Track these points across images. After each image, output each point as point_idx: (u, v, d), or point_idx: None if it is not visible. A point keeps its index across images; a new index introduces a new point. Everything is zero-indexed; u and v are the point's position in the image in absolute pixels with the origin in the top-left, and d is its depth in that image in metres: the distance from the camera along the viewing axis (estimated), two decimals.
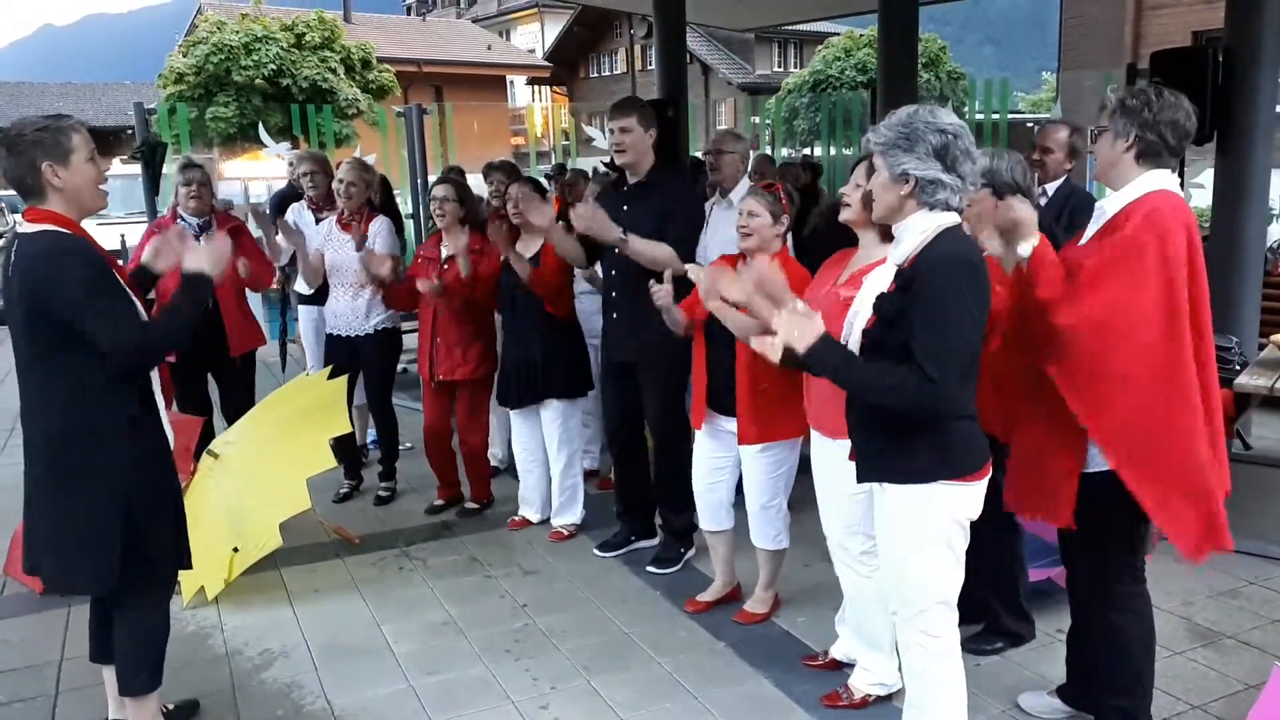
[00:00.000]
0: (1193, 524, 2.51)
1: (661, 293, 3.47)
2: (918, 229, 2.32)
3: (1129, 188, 2.55)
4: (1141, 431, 2.48)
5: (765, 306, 2.59)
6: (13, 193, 2.83)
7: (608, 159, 7.09)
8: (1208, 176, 5.73)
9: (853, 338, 2.44)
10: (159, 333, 2.73)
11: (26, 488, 2.75)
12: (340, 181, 4.92)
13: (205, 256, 2.81)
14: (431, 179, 7.03)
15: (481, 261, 4.58)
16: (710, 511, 3.72)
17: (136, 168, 7.76)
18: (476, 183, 8.27)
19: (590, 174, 6.80)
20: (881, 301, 2.34)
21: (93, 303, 2.55)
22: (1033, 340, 2.58)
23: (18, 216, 15.33)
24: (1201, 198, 6.44)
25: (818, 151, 13.96)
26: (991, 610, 3.37)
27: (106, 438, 2.65)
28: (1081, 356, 2.48)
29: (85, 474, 2.65)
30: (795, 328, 2.30)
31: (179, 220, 4.68)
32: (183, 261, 2.82)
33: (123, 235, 10.95)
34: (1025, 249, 2.54)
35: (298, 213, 5.36)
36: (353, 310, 4.91)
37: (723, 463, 3.65)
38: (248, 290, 4.95)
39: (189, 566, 2.96)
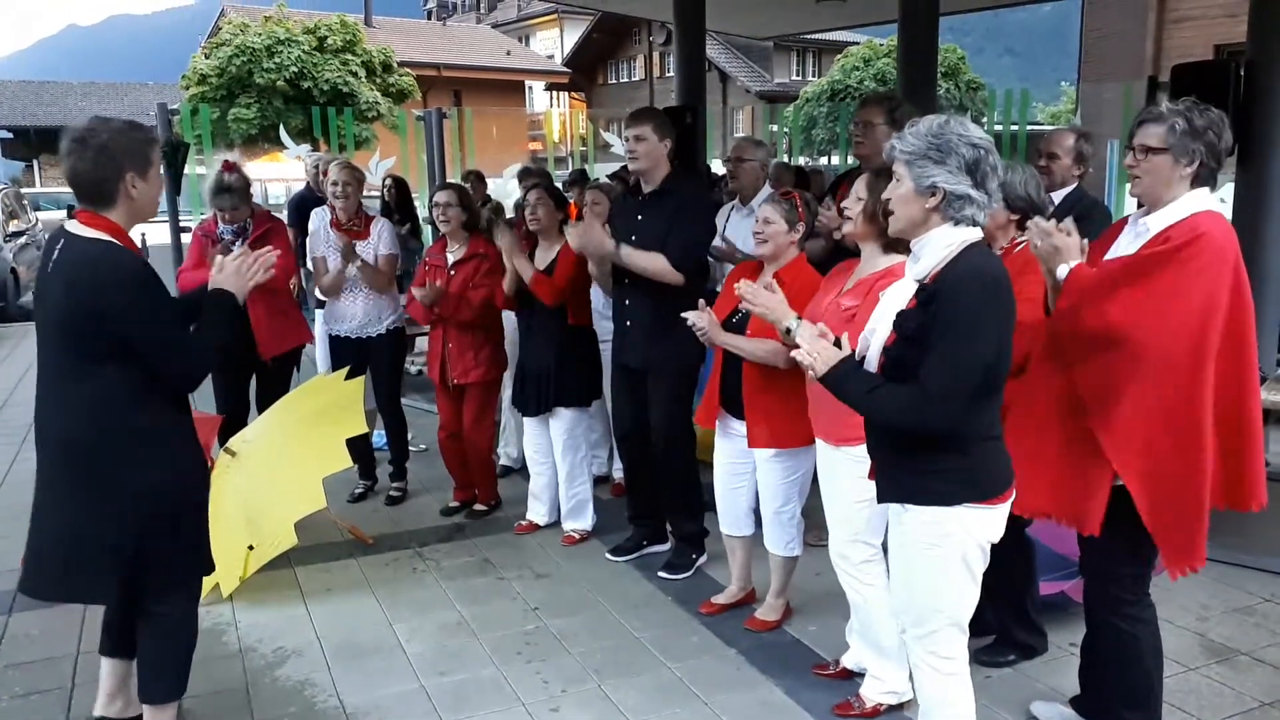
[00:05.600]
0: (1179, 541, 2.53)
1: (700, 325, 3.45)
2: (941, 244, 2.26)
3: (1175, 206, 2.53)
4: (1148, 445, 2.49)
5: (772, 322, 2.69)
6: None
7: (623, 164, 7.13)
8: (1228, 191, 5.70)
9: (871, 353, 2.40)
10: (198, 357, 2.72)
11: (36, 495, 2.70)
12: (336, 184, 4.89)
13: (229, 276, 2.80)
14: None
15: (484, 271, 4.59)
16: (730, 516, 3.72)
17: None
18: (495, 187, 8.33)
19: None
20: (903, 318, 2.30)
21: (158, 329, 2.57)
22: (1062, 349, 2.59)
23: (40, 214, 15.48)
24: (1222, 212, 6.40)
25: (835, 160, 13.96)
26: (1003, 623, 3.36)
27: (127, 449, 2.60)
28: (1105, 366, 2.50)
29: (106, 483, 2.60)
30: (815, 350, 2.35)
31: (218, 224, 4.70)
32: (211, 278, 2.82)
33: (144, 235, 11.03)
34: (1063, 271, 2.54)
35: (321, 218, 5.34)
36: (365, 312, 4.94)
37: (742, 468, 3.64)
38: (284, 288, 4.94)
39: (210, 571, 2.93)
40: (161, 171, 2.64)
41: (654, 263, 3.86)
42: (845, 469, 2.94)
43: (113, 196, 2.58)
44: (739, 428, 3.54)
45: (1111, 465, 2.57)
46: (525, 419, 4.65)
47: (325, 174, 5.40)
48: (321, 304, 5.49)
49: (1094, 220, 3.27)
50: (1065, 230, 2.60)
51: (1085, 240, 2.64)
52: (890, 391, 2.27)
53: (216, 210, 4.66)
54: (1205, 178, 2.53)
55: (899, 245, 2.91)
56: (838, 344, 2.42)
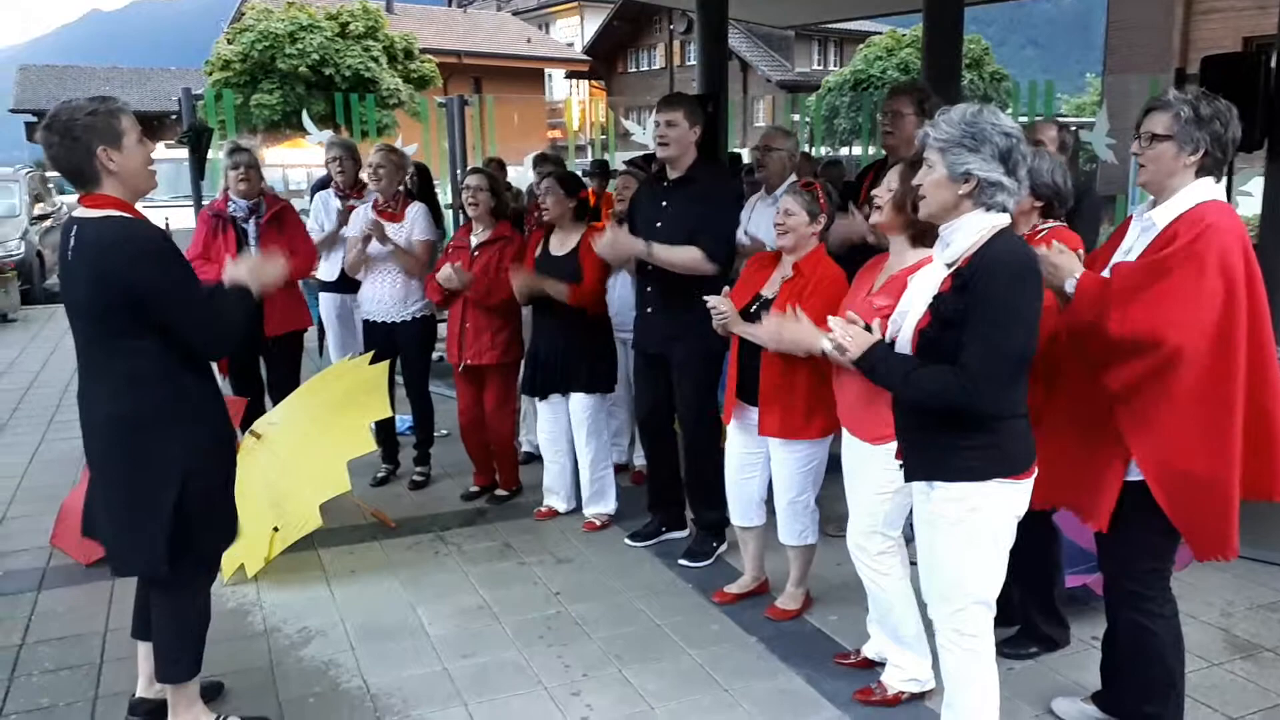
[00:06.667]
0: (1210, 532, 2.53)
1: (721, 310, 3.45)
2: (973, 229, 2.32)
3: (1178, 199, 2.52)
4: (1177, 446, 2.48)
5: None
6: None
7: (644, 153, 7.12)
8: (1257, 184, 5.64)
9: (903, 336, 2.43)
10: (225, 325, 2.75)
11: (90, 479, 2.78)
12: (370, 165, 4.94)
13: (245, 270, 2.80)
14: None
15: (508, 254, 4.61)
16: (741, 507, 3.73)
17: (183, 152, 7.88)
18: (516, 174, 8.34)
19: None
20: (939, 302, 2.33)
21: (185, 295, 2.59)
22: (1086, 356, 2.58)
23: (64, 197, 15.61)
24: (1250, 206, 6.33)
25: (856, 150, 13.90)
26: (1027, 614, 3.36)
27: (168, 423, 2.64)
28: (1134, 371, 2.48)
29: (144, 459, 2.64)
30: (848, 333, 2.40)
31: (229, 203, 4.73)
32: (225, 271, 2.82)
33: (167, 219, 11.10)
34: (1070, 285, 2.57)
35: (325, 199, 5.40)
36: (392, 296, 4.95)
37: (754, 458, 3.64)
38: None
39: (232, 540, 2.96)
40: (138, 141, 2.62)
41: (687, 256, 3.88)
42: (876, 461, 2.94)
43: (95, 175, 2.59)
44: (754, 416, 3.54)
45: (1123, 463, 2.56)
46: (540, 408, 4.66)
47: (333, 160, 5.37)
48: (325, 286, 5.51)
49: (1080, 207, 3.40)
50: (1057, 250, 2.63)
51: (1081, 251, 2.72)
52: (932, 372, 2.31)
53: (231, 169, 4.70)
54: (1210, 168, 2.52)
55: (927, 238, 2.91)
56: (868, 329, 2.45)
